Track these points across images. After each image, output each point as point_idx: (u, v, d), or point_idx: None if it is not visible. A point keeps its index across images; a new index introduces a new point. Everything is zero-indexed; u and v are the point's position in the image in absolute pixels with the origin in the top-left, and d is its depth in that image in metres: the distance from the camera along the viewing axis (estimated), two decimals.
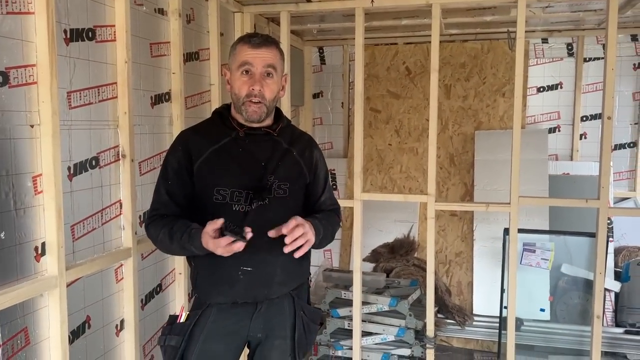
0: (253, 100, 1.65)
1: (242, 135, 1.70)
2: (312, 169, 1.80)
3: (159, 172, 1.77)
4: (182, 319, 1.75)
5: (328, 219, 1.80)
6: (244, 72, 1.65)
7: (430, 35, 2.85)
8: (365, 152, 4.24)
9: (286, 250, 1.55)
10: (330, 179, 1.92)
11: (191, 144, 1.73)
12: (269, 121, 1.74)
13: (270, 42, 1.68)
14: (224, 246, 1.49)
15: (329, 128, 4.47)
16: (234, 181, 1.68)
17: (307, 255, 1.84)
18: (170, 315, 1.82)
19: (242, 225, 1.57)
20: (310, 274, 1.94)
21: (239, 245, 1.50)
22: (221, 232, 1.50)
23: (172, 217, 1.69)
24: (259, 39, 1.67)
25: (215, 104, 2.89)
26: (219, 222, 1.49)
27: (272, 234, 1.56)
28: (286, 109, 3.08)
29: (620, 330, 3.47)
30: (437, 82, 2.87)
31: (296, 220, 1.57)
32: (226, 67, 1.75)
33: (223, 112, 1.77)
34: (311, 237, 1.59)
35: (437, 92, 2.88)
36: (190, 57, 2.78)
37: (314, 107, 4.46)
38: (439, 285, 3.64)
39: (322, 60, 4.46)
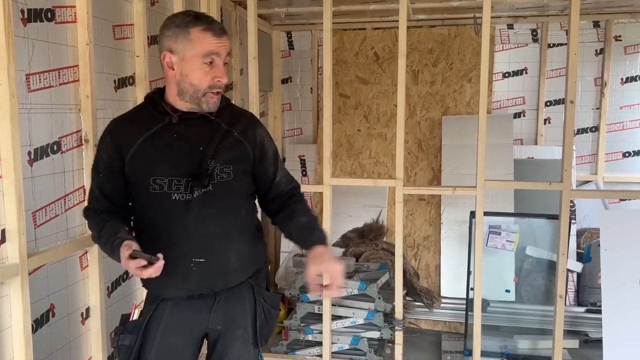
0: (215, 92, 1.57)
1: (175, 120, 1.60)
2: (258, 147, 1.70)
3: (92, 163, 1.70)
4: (135, 317, 1.68)
5: (311, 218, 1.75)
6: (208, 63, 1.55)
7: (398, 21, 2.85)
8: (334, 137, 4.24)
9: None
10: (280, 158, 1.83)
11: (121, 134, 1.62)
12: None
13: (223, 26, 1.61)
14: (134, 269, 1.45)
15: (298, 114, 4.46)
16: (170, 169, 1.58)
17: (261, 238, 1.80)
18: (122, 315, 1.74)
19: (186, 216, 1.57)
20: (267, 258, 1.90)
21: (151, 272, 1.45)
22: (133, 256, 1.46)
23: (105, 215, 1.63)
24: (218, 25, 1.57)
25: None
26: (133, 246, 1.46)
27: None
28: (254, 94, 3.05)
29: (582, 309, 3.58)
30: (404, 67, 2.88)
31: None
32: (168, 50, 1.57)
33: (154, 97, 1.66)
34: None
35: (404, 78, 2.89)
36: (155, 40, 2.72)
37: (283, 93, 4.43)
38: (408, 268, 3.68)
39: (291, 45, 4.43)
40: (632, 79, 3.92)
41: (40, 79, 1.93)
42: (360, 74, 4.21)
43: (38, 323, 1.95)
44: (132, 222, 1.70)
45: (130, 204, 1.68)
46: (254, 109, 3.06)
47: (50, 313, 2.02)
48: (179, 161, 1.59)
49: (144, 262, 1.44)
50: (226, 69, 1.60)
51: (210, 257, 1.62)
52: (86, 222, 1.73)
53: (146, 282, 1.71)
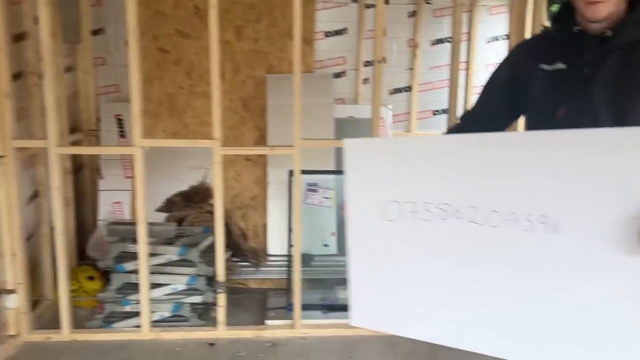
0: None
1: None
2: None
3: None
4: None
5: None
6: None
7: None
8: (154, 95, 3.99)
9: None
10: None
11: None
12: None
13: None
14: None
15: (114, 69, 4.08)
16: None
17: None
18: None
19: None
20: None
21: None
22: None
23: None
24: None
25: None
26: None
27: None
28: (47, 45, 2.71)
29: None
30: (216, 19, 2.76)
31: None
32: None
33: None
34: None
35: (217, 31, 2.79)
36: None
37: (95, 45, 4.02)
38: (234, 230, 3.64)
39: None
40: (440, 41, 4.20)
41: None
42: (180, 28, 3.96)
43: None
44: None
45: None
46: (47, 63, 2.73)
47: None
48: None
49: None
50: None
51: None
52: None
53: None
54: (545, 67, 1.40)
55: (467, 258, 1.28)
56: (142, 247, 2.91)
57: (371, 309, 1.46)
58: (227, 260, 3.41)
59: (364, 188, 1.44)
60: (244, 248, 3.66)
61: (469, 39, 4.13)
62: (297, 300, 3.07)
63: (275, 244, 3.88)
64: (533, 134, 1.32)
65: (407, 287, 1.38)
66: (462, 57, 4.02)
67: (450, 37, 4.16)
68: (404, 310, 1.39)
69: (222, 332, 3.05)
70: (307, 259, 3.51)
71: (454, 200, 1.28)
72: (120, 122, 3.97)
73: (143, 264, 2.92)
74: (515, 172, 1.21)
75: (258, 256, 3.65)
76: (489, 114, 1.47)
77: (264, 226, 3.97)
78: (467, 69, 4.17)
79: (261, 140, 3.99)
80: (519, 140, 1.27)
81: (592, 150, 1.15)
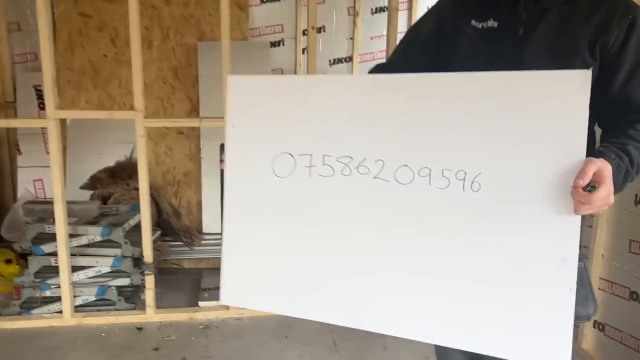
0: None
1: None
2: None
3: None
4: None
5: None
6: None
7: None
8: (76, 64, 3.71)
9: None
10: None
11: None
12: None
13: None
14: None
15: (31, 35, 3.73)
16: None
17: None
18: None
19: None
20: None
21: None
22: None
23: None
24: None
25: None
26: None
27: None
28: None
29: None
30: None
31: None
32: None
33: None
34: None
35: None
36: None
37: (7, 10, 3.67)
38: (164, 207, 3.45)
39: None
40: (381, 9, 4.06)
41: None
42: None
43: None
44: None
45: None
46: None
47: None
48: None
49: None
50: None
51: None
52: None
53: None
54: (475, 23, 1.28)
55: (369, 221, 1.11)
56: (60, 227, 2.69)
57: (247, 284, 1.22)
58: (156, 240, 3.23)
59: (250, 137, 1.21)
60: (177, 227, 3.47)
61: (409, 8, 4.01)
62: None
63: (211, 222, 3.72)
64: (455, 75, 1.13)
65: (294, 256, 1.16)
66: (403, 26, 3.93)
67: None
68: (290, 284, 1.17)
69: (151, 315, 2.88)
70: None
71: (359, 153, 1.10)
72: (39, 93, 3.67)
73: (62, 245, 2.71)
74: (432, 121, 1.07)
75: (192, 235, 3.48)
76: (408, 69, 1.34)
77: (199, 203, 3.79)
78: None
79: (193, 112, 3.78)
80: (439, 82, 1.10)
81: (520, 97, 1.02)
